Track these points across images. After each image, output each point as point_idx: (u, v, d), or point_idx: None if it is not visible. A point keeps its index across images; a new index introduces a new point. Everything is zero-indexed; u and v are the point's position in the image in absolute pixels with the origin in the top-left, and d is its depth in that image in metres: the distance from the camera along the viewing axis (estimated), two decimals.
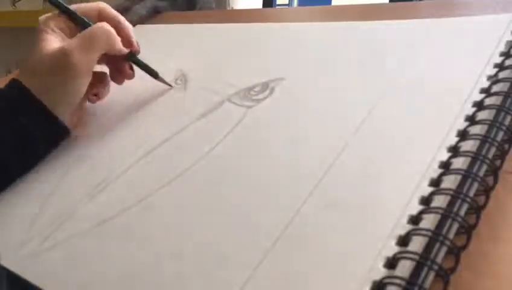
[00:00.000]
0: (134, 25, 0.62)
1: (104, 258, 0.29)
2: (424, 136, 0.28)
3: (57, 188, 0.36)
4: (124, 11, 0.68)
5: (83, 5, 0.41)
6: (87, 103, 0.44)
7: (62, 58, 0.37)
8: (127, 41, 0.42)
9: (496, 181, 0.25)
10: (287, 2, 0.90)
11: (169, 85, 0.43)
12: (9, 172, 0.37)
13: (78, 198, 0.34)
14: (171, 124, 0.38)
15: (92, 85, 0.41)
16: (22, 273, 0.30)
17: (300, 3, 0.90)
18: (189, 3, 0.71)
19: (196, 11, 0.70)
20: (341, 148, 0.29)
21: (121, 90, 0.44)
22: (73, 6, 0.41)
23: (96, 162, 0.37)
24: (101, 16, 0.41)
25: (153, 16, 0.66)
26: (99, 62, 0.41)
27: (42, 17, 0.40)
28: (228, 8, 0.80)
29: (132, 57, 0.43)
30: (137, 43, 0.43)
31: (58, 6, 0.41)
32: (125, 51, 0.41)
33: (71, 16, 0.41)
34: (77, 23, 0.41)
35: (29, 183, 0.38)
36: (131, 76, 0.44)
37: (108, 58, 0.42)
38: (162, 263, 0.27)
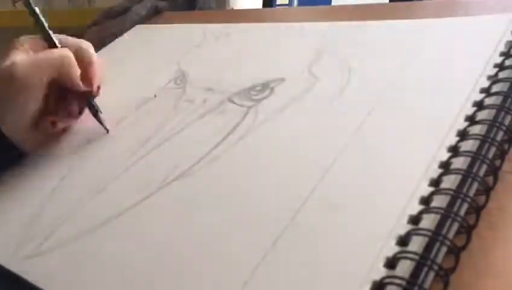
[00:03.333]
0: (134, 25, 0.62)
1: (105, 259, 0.29)
2: (424, 136, 0.28)
3: (57, 188, 0.36)
4: (124, 11, 0.68)
5: (68, 38, 0.41)
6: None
7: (9, 71, 0.36)
8: (88, 80, 0.40)
9: (495, 181, 0.25)
10: (287, 2, 0.90)
11: (106, 129, 0.40)
12: None
13: (78, 198, 0.34)
14: (171, 124, 0.38)
15: (48, 113, 0.39)
16: (22, 273, 0.30)
17: (300, 3, 0.90)
18: (189, 3, 0.71)
19: (196, 11, 0.70)
20: (341, 148, 0.29)
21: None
22: (59, 36, 0.41)
23: (96, 163, 0.37)
24: (77, 52, 0.40)
25: (153, 16, 0.66)
26: (58, 95, 0.40)
27: (22, 37, 0.40)
28: (228, 8, 0.80)
29: (87, 99, 0.41)
30: (99, 87, 0.41)
31: (35, 18, 0.40)
32: (80, 85, 0.39)
33: (45, 33, 0.40)
34: (49, 44, 0.40)
35: (29, 183, 0.38)
36: (74, 116, 0.41)
37: (68, 93, 0.40)
38: (162, 263, 0.27)
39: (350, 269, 0.23)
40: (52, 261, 0.30)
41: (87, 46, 0.41)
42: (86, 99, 0.41)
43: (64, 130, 0.42)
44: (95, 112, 0.40)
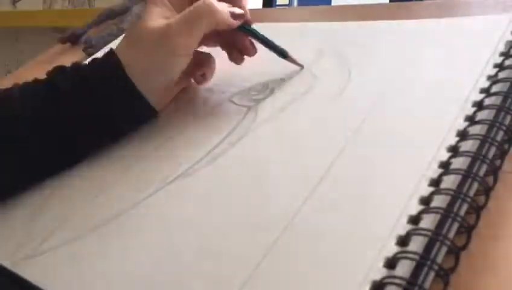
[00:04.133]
0: None
1: (105, 259, 0.29)
2: (424, 136, 0.28)
3: (57, 188, 0.36)
4: (124, 11, 0.68)
5: None
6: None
7: (162, 38, 0.35)
8: (238, 10, 0.37)
9: (495, 181, 0.25)
10: (287, 2, 0.90)
11: (300, 65, 0.39)
12: (87, 143, 0.36)
13: (78, 198, 0.34)
14: (171, 124, 0.38)
15: (196, 66, 0.39)
16: (22, 273, 0.30)
17: (300, 3, 0.90)
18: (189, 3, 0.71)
19: None
20: (341, 148, 0.29)
21: None
22: None
23: (96, 163, 0.37)
24: None
25: None
26: (208, 42, 0.40)
27: None
28: None
29: (246, 28, 0.38)
30: (248, 13, 0.38)
31: None
32: (236, 24, 0.37)
33: None
34: None
35: (29, 183, 0.38)
36: (251, 51, 0.39)
37: (221, 34, 0.39)
38: (163, 262, 0.27)
39: (350, 269, 0.23)
40: (52, 261, 0.30)
41: None
42: (242, 29, 0.38)
43: (207, 80, 0.41)
44: (266, 41, 0.39)
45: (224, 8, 0.36)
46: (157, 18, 0.36)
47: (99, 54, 0.38)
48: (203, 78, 0.40)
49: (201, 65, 0.39)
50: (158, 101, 0.37)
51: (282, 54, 0.39)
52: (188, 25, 0.35)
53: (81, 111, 0.35)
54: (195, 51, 0.37)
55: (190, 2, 0.37)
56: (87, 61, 0.38)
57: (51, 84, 0.36)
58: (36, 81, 0.37)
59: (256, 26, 0.39)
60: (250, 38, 0.39)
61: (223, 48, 0.40)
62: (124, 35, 0.39)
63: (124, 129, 0.38)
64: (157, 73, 0.36)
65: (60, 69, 0.37)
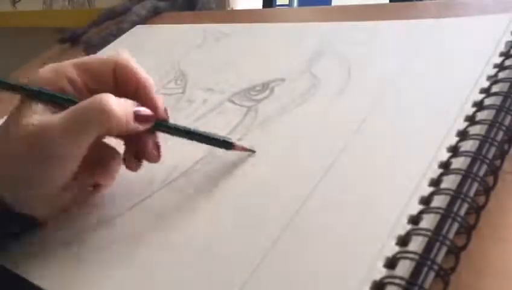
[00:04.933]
0: (134, 25, 0.62)
1: (104, 259, 0.29)
2: (424, 136, 0.28)
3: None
4: (124, 11, 0.68)
5: (96, 60, 0.31)
6: None
7: (39, 140, 0.27)
8: (151, 107, 0.30)
9: (495, 181, 0.25)
10: (287, 2, 0.90)
11: (252, 151, 0.32)
12: None
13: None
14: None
15: (87, 172, 0.30)
16: (22, 273, 0.30)
17: (300, 3, 0.90)
18: (189, 3, 0.71)
19: (196, 11, 0.70)
20: (341, 148, 0.29)
21: None
22: (90, 57, 0.32)
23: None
24: (117, 73, 0.31)
25: (153, 16, 0.66)
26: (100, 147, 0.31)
27: (42, 72, 0.30)
28: (228, 8, 0.80)
29: (159, 127, 0.31)
30: (166, 110, 0.31)
31: (23, 90, 0.29)
32: (141, 128, 0.30)
33: (54, 99, 0.29)
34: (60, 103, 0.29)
35: None
36: (155, 158, 0.31)
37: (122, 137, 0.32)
38: (162, 263, 0.27)
39: (350, 269, 0.23)
40: (52, 261, 0.30)
41: (124, 63, 0.31)
42: (157, 128, 0.31)
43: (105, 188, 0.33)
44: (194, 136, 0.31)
45: (126, 109, 0.29)
46: (38, 114, 0.28)
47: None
48: (97, 189, 0.32)
49: (92, 172, 0.31)
50: (40, 211, 0.30)
51: (226, 145, 0.31)
52: (71, 130, 0.28)
53: None
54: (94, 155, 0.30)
55: (113, 80, 0.31)
56: None
57: None
58: None
59: (256, 26, 0.39)
60: (156, 141, 0.31)
61: (125, 145, 0.32)
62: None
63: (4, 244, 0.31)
64: (30, 185, 0.28)
65: None
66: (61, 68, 0.30)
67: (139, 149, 0.31)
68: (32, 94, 0.29)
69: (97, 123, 0.28)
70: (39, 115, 0.28)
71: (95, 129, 0.28)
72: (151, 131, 0.31)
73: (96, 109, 0.28)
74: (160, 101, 0.31)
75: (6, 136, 0.29)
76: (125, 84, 0.31)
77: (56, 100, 0.29)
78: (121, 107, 0.29)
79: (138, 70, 0.31)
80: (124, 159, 0.32)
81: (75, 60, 0.31)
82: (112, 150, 0.32)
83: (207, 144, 0.32)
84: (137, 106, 0.30)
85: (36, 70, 0.30)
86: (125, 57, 0.31)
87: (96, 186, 0.32)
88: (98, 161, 0.31)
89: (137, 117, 0.29)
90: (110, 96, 0.28)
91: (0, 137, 0.29)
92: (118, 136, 0.31)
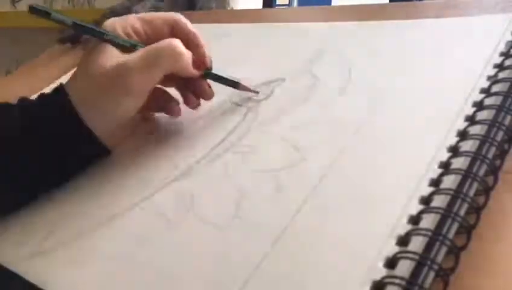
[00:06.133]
0: None
1: (104, 258, 0.29)
2: (424, 136, 0.28)
3: (58, 188, 0.36)
4: (124, 11, 0.68)
5: (157, 15, 0.36)
6: None
7: (117, 76, 0.33)
8: (199, 59, 0.36)
9: (496, 181, 0.25)
10: (287, 2, 0.90)
11: (255, 92, 0.38)
12: (35, 184, 0.34)
13: (78, 198, 0.34)
14: (171, 124, 0.38)
15: (154, 104, 0.37)
16: (22, 273, 0.30)
17: (300, 3, 0.90)
18: (189, 3, 0.71)
19: (196, 11, 0.70)
20: (341, 148, 0.29)
21: None
22: (147, 15, 0.36)
23: (96, 163, 0.37)
24: (174, 30, 0.36)
25: None
26: (166, 83, 0.37)
27: (109, 21, 0.35)
28: (228, 8, 0.80)
29: (209, 75, 0.37)
30: (211, 60, 0.37)
31: (97, 34, 0.34)
32: (196, 74, 0.36)
33: (114, 43, 0.34)
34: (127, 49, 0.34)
35: None
36: (209, 95, 0.37)
37: (177, 80, 0.37)
38: (162, 262, 0.27)
39: (350, 269, 0.23)
40: (52, 261, 0.30)
41: (182, 21, 0.36)
42: (206, 76, 0.37)
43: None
44: (234, 83, 0.37)
45: (188, 55, 0.34)
46: (113, 54, 0.34)
47: (48, 89, 0.35)
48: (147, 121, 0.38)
49: (153, 105, 0.37)
50: (111, 139, 0.35)
51: (236, 86, 0.38)
52: (146, 66, 0.33)
53: (31, 153, 0.33)
54: (156, 87, 0.36)
55: (156, 34, 0.35)
56: (36, 96, 0.35)
57: None
58: None
59: (256, 26, 0.39)
60: (208, 83, 0.37)
61: (179, 90, 0.38)
62: (76, 68, 0.36)
63: (74, 169, 0.36)
64: (110, 112, 0.34)
65: (7, 110, 0.35)
66: (128, 19, 0.36)
67: (195, 92, 0.37)
68: (107, 39, 0.34)
69: (168, 60, 0.33)
70: (115, 56, 0.33)
71: (166, 66, 0.33)
72: (203, 77, 0.36)
73: (167, 49, 0.33)
74: (208, 53, 0.36)
75: (86, 73, 0.34)
76: (179, 37, 0.35)
77: (125, 45, 0.34)
78: (185, 51, 0.34)
79: (191, 27, 0.36)
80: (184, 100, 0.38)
81: (141, 14, 0.36)
82: (169, 95, 0.38)
83: (224, 84, 0.37)
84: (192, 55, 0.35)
85: (105, 20, 0.36)
86: (179, 15, 0.36)
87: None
88: (156, 104, 0.38)
89: (195, 64, 0.35)
90: (178, 41, 0.34)
91: (80, 75, 0.35)
92: (176, 78, 0.36)
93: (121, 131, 0.36)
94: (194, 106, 0.38)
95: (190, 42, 0.35)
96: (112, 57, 0.33)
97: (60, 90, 0.34)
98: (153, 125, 0.40)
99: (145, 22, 0.36)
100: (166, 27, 0.36)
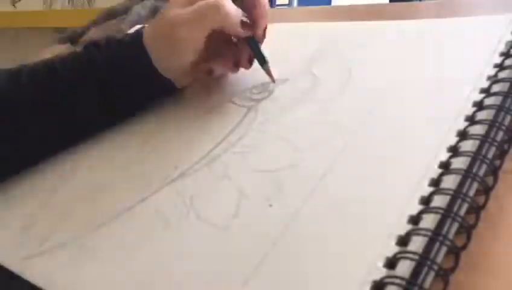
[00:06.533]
0: (134, 25, 0.62)
1: (104, 258, 0.29)
2: (424, 136, 0.28)
3: (57, 188, 0.36)
4: (124, 11, 0.68)
5: None
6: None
7: (170, 28, 0.37)
8: (255, 23, 0.38)
9: (495, 181, 0.25)
10: (287, 2, 0.90)
11: (273, 80, 0.39)
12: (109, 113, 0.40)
13: (78, 198, 0.34)
14: (171, 124, 0.38)
15: (208, 59, 0.39)
16: (22, 273, 0.30)
17: (300, 4, 0.90)
18: None
19: None
20: (341, 148, 0.29)
21: None
22: None
23: (96, 163, 0.37)
24: None
25: (153, 16, 0.66)
26: (218, 42, 0.39)
27: None
28: None
29: (251, 41, 0.38)
30: (265, 30, 0.39)
31: None
32: (242, 33, 0.37)
33: None
34: None
35: (29, 183, 0.38)
36: (246, 66, 0.40)
37: (228, 39, 0.40)
38: (162, 262, 0.27)
39: (350, 269, 0.23)
40: (52, 261, 0.30)
41: None
42: (250, 45, 0.38)
43: (222, 76, 0.41)
44: (262, 59, 0.39)
45: (238, 13, 0.37)
46: (175, 7, 0.38)
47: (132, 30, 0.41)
48: (210, 73, 0.41)
49: (211, 60, 0.40)
50: (177, 78, 0.39)
51: (262, 63, 0.39)
52: (193, 21, 0.36)
53: (112, 80, 0.39)
54: (213, 46, 0.38)
55: None
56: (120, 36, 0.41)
57: (87, 56, 0.39)
58: (75, 53, 0.41)
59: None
60: (250, 52, 0.39)
61: (222, 53, 0.40)
62: (153, 20, 0.42)
63: (144, 101, 0.41)
64: (172, 57, 0.38)
65: (95, 44, 0.40)
66: None
67: (236, 56, 0.39)
68: None
69: (214, 18, 0.36)
70: (175, 9, 0.37)
71: (211, 23, 0.36)
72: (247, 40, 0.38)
73: (214, 7, 0.36)
74: (263, 19, 0.39)
75: (158, 22, 0.39)
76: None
77: None
78: (233, 9, 0.37)
79: None
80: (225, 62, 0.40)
81: None
82: (221, 51, 0.40)
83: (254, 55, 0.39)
84: (244, 16, 0.37)
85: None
86: None
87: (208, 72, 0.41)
88: (216, 52, 0.39)
89: (243, 23, 0.37)
90: (229, 0, 0.37)
91: (154, 23, 0.40)
92: (225, 37, 0.39)
93: (187, 73, 0.39)
94: (234, 71, 0.40)
95: (251, 7, 0.38)
96: (172, 10, 0.38)
97: (137, 36, 0.39)
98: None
99: None
100: None
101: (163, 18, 0.38)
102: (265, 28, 0.39)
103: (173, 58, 0.38)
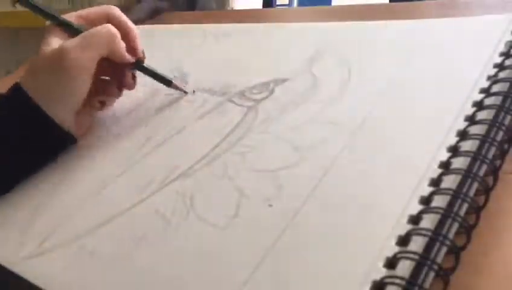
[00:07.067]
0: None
1: (104, 259, 0.29)
2: (424, 136, 0.28)
3: (57, 188, 0.36)
4: (124, 11, 0.68)
5: (92, 9, 0.40)
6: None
7: (59, 56, 0.36)
8: (132, 49, 0.40)
9: (495, 181, 0.25)
10: (287, 2, 0.90)
11: (184, 92, 0.41)
12: (6, 178, 0.37)
13: (78, 198, 0.34)
14: (172, 124, 0.38)
15: (96, 92, 0.39)
16: (22, 273, 0.30)
17: (300, 4, 0.90)
18: (189, 3, 0.71)
19: (196, 11, 0.70)
20: (341, 148, 0.29)
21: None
22: (83, 11, 0.40)
23: (96, 163, 0.37)
24: (110, 21, 0.39)
25: (153, 16, 0.66)
26: (102, 73, 0.40)
27: (49, 24, 0.40)
28: (228, 8, 0.80)
29: (139, 65, 0.41)
30: (143, 52, 0.41)
31: (51, 17, 0.40)
32: (128, 58, 0.39)
33: (65, 26, 0.39)
34: (73, 32, 0.39)
35: (28, 183, 0.38)
36: (131, 86, 0.41)
37: (112, 68, 0.40)
38: (162, 262, 0.27)
39: (350, 269, 0.23)
40: (52, 261, 0.30)
41: (117, 13, 0.40)
42: (136, 67, 0.40)
43: (111, 104, 0.42)
44: (166, 80, 0.41)
45: (121, 41, 0.38)
46: (52, 45, 0.37)
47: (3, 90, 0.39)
48: (102, 105, 0.41)
49: (99, 92, 0.40)
50: (72, 126, 0.38)
51: (167, 83, 0.41)
52: (81, 46, 0.36)
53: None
54: (99, 78, 0.39)
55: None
56: None
57: None
58: None
59: (256, 26, 0.39)
60: (134, 74, 0.41)
61: (111, 77, 0.41)
62: (25, 67, 0.39)
63: (43, 159, 0.38)
64: (61, 96, 0.37)
65: None
66: (67, 17, 0.40)
67: (121, 81, 0.41)
68: (58, 22, 0.39)
69: (103, 41, 0.37)
70: (56, 43, 0.37)
71: (101, 46, 0.37)
72: (133, 67, 0.40)
73: (102, 30, 0.37)
74: (140, 45, 0.40)
75: (37, 63, 0.37)
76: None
77: (71, 28, 0.39)
78: (119, 38, 0.38)
79: (126, 19, 0.40)
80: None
81: (77, 12, 0.40)
82: (108, 81, 0.41)
83: (154, 79, 0.41)
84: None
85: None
86: (114, 8, 0.40)
87: (101, 104, 0.41)
88: (100, 90, 0.40)
89: (128, 50, 0.39)
90: (112, 26, 0.37)
91: (32, 67, 0.38)
92: (113, 70, 0.40)
93: (81, 118, 0.39)
94: (118, 95, 0.42)
95: (124, 34, 0.39)
96: (53, 44, 0.37)
97: (16, 88, 0.37)
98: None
99: (81, 18, 0.40)
100: (101, 20, 0.39)
101: (41, 56, 0.37)
102: (143, 50, 0.41)
103: (64, 95, 0.36)
